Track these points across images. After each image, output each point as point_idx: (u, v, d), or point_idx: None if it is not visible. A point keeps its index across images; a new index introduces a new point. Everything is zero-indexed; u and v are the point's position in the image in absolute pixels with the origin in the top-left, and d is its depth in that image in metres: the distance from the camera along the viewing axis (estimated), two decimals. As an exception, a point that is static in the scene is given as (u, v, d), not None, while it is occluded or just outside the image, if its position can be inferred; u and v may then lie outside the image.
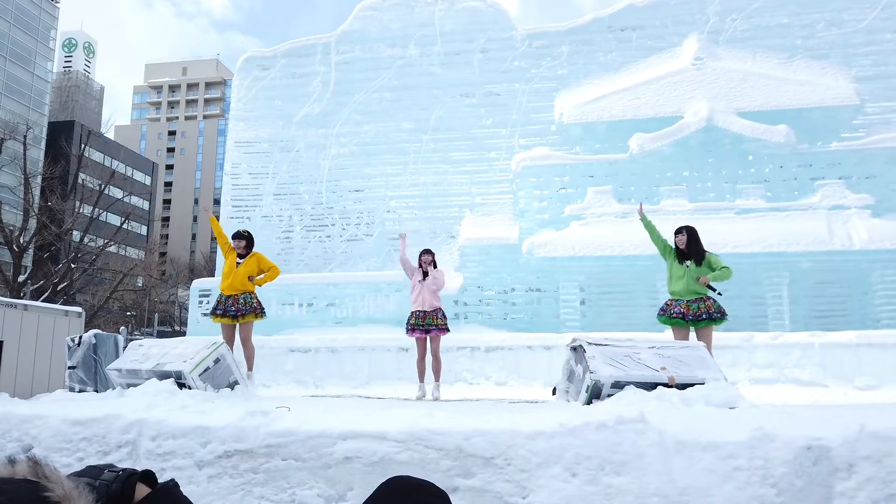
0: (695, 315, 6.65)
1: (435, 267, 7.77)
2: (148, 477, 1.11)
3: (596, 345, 5.36)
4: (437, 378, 7.67)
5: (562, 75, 17.39)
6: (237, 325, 7.07)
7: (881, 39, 16.06)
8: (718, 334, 10.65)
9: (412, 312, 7.61)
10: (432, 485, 1.41)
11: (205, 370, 5.75)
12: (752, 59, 16.22)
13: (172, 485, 1.13)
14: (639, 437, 3.85)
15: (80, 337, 9.71)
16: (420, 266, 7.75)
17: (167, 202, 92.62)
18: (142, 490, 1.08)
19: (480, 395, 9.04)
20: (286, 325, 15.56)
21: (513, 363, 11.55)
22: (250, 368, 7.05)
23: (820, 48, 16.18)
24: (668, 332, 7.69)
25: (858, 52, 16.08)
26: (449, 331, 7.73)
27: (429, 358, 7.74)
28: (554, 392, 5.91)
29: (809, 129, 15.22)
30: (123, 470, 1.09)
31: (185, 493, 1.18)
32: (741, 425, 3.94)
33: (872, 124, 15.62)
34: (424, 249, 7.92)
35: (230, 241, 7.20)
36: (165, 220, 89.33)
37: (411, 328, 7.61)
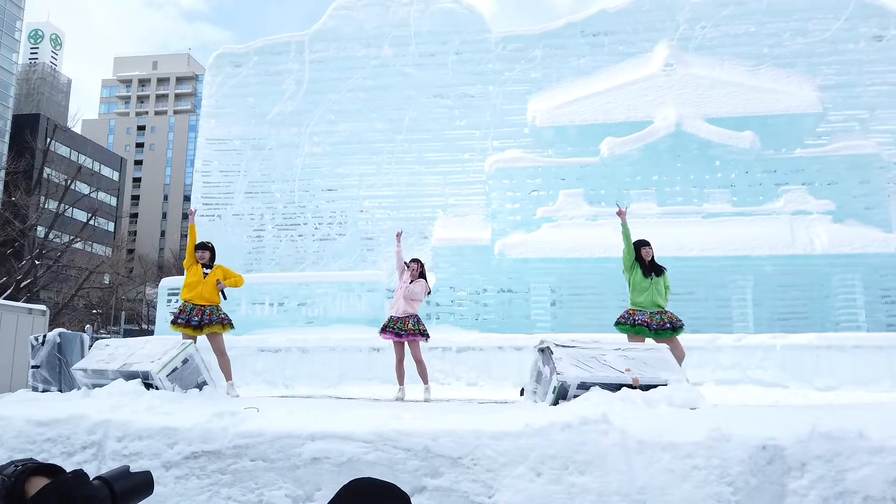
0: (658, 325, 6.81)
1: (420, 277, 7.76)
2: (51, 471, 1.12)
3: (563, 346, 5.46)
4: (424, 381, 7.68)
5: (535, 78, 17.56)
6: (205, 337, 6.89)
7: (844, 50, 16.54)
8: (685, 336, 10.85)
9: (389, 316, 7.66)
10: (394, 486, 1.45)
11: (173, 370, 5.71)
12: (720, 67, 16.57)
13: (70, 476, 1.12)
14: (602, 438, 3.95)
15: (44, 336, 9.53)
16: (410, 271, 7.77)
17: (135, 198, 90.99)
18: (37, 484, 1.09)
19: (451, 396, 9.09)
20: (256, 324, 15.44)
21: (483, 364, 11.61)
22: (230, 378, 6.95)
23: (786, 57, 16.60)
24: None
25: (822, 61, 16.54)
26: (425, 336, 7.64)
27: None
28: (522, 393, 6.01)
29: (774, 136, 15.60)
30: (24, 463, 1.09)
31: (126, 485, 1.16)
32: (699, 425, 4.06)
33: (835, 132, 16.07)
34: (413, 259, 7.93)
35: (195, 251, 7.05)
36: (134, 216, 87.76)
37: (382, 329, 7.66)
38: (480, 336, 12.48)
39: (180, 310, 6.83)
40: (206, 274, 6.88)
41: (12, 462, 1.10)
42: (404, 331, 7.43)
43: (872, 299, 14.39)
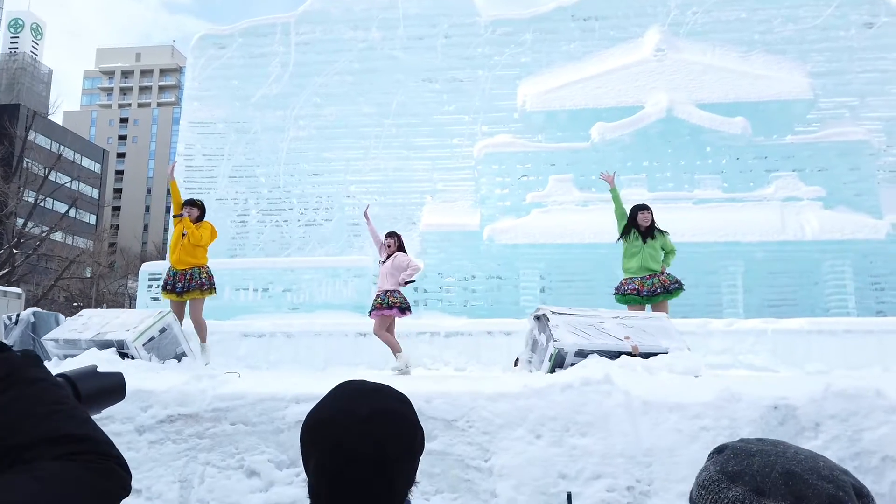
0: (650, 291, 6.63)
1: (396, 251, 7.54)
2: None
3: (560, 314, 5.25)
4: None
5: (525, 63, 17.33)
6: (186, 302, 6.71)
7: (835, 36, 16.48)
8: (676, 320, 10.70)
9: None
10: (389, 387, 1.23)
11: (149, 340, 5.43)
12: (711, 52, 16.44)
13: (15, 354, 0.90)
14: (605, 398, 3.74)
15: (18, 315, 9.19)
16: (387, 246, 7.55)
17: (118, 191, 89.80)
18: None
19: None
20: (240, 310, 15.10)
21: (472, 349, 11.39)
22: (203, 340, 6.70)
23: (777, 43, 16.50)
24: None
25: (813, 48, 16.46)
26: (392, 309, 7.28)
27: None
28: (516, 363, 5.79)
29: (765, 122, 15.50)
30: None
31: (61, 389, 0.94)
32: (707, 387, 3.86)
33: (825, 119, 16.01)
34: (389, 232, 7.73)
35: (182, 208, 6.78)
36: (116, 209, 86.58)
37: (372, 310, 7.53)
38: (469, 321, 12.26)
39: (167, 275, 6.65)
40: (185, 235, 6.60)
41: None
42: (377, 305, 7.26)
43: (862, 285, 14.34)
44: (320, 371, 10.98)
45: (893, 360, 10.55)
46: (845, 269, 13.98)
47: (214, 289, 6.84)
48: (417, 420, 1.19)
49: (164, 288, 6.73)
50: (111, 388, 1.11)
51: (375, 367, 10.73)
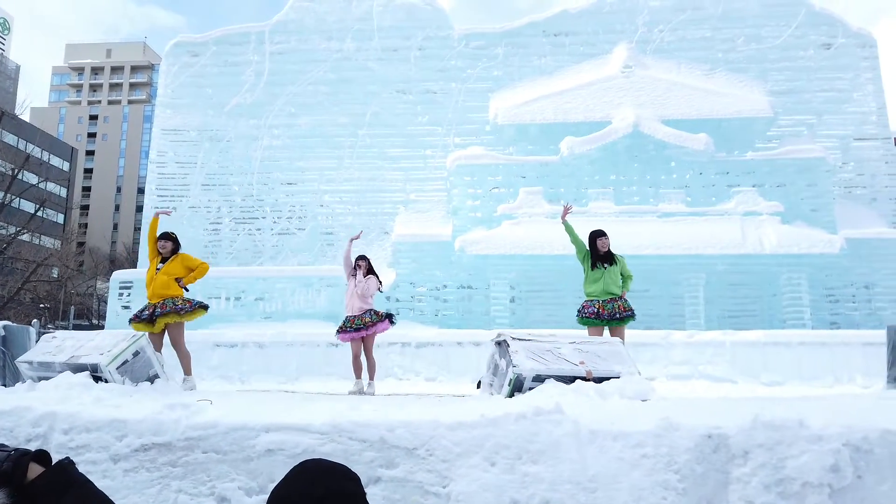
0: (609, 315, 6.98)
1: (367, 273, 7.80)
2: (41, 457, 1.13)
3: (519, 340, 5.53)
4: (370, 377, 7.76)
5: (497, 76, 17.68)
6: (164, 330, 6.63)
7: (794, 56, 17.12)
8: (639, 332, 11.13)
9: (346, 317, 7.66)
10: (343, 467, 1.47)
11: (123, 363, 5.58)
12: (677, 70, 16.95)
13: (67, 462, 1.15)
14: (555, 427, 4.02)
15: (-12, 329, 9.20)
16: (355, 270, 7.77)
17: (87, 189, 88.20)
18: (35, 469, 1.09)
19: (409, 391, 9.12)
20: (212, 319, 15.13)
21: (443, 359, 11.67)
22: (188, 372, 6.68)
23: (739, 62, 17.09)
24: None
25: (774, 67, 17.09)
26: (389, 319, 7.65)
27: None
28: (479, 385, 6.07)
29: (727, 139, 16.04)
30: (16, 449, 1.10)
31: (99, 488, 1.21)
32: (649, 416, 4.17)
33: (784, 136, 16.62)
34: (359, 255, 7.97)
35: (157, 242, 6.72)
36: (85, 208, 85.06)
37: (339, 330, 7.71)
38: (439, 332, 12.53)
39: (141, 308, 6.60)
40: (160, 269, 6.57)
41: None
42: (363, 325, 7.46)
43: (817, 298, 14.93)
44: (291, 382, 11.16)
45: (845, 371, 11.10)
46: (801, 281, 14.55)
47: (200, 309, 6.58)
48: (365, 495, 1.44)
49: (131, 320, 6.57)
50: None
51: (347, 378, 10.93)
